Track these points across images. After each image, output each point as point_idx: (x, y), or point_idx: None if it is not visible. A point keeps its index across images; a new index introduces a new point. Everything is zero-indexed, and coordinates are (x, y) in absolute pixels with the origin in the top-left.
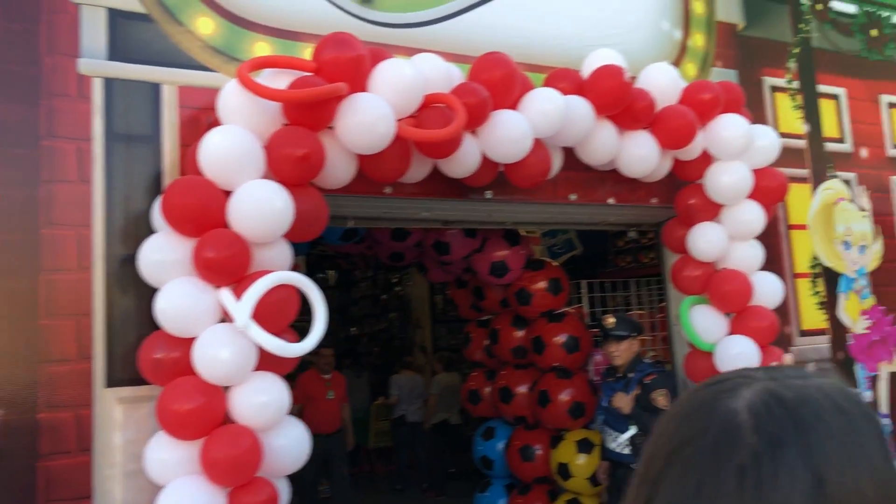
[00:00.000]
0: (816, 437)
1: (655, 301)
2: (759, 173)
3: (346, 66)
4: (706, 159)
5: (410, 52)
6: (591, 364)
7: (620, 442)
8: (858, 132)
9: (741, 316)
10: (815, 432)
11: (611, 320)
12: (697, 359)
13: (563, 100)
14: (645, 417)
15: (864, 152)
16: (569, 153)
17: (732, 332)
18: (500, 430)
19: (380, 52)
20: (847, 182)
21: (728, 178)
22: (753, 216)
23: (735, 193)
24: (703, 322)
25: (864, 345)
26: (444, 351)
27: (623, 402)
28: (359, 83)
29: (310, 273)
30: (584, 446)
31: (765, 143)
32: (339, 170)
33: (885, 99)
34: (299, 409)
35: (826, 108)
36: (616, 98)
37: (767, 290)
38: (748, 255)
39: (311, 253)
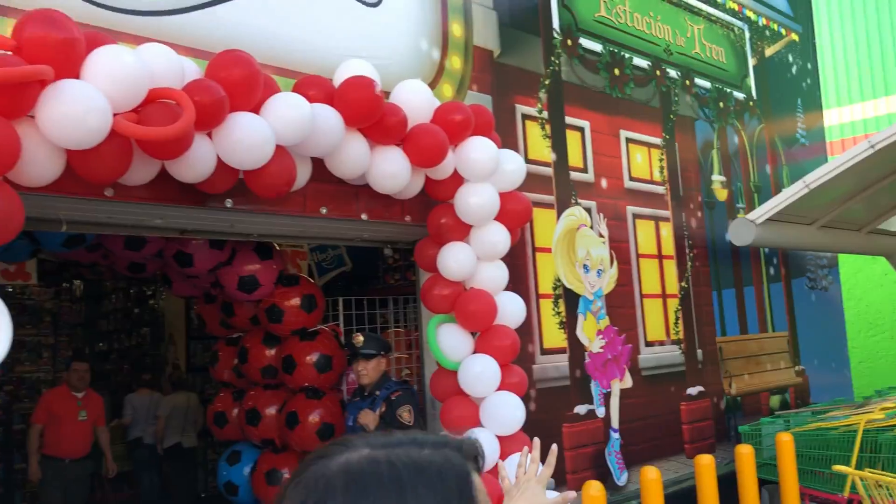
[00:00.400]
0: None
1: (413, 320)
2: (505, 196)
3: (54, 48)
4: (457, 180)
5: (139, 41)
6: (345, 384)
7: None
8: (600, 163)
9: (485, 335)
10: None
11: (360, 338)
12: (442, 377)
13: (311, 107)
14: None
15: (604, 182)
16: (319, 165)
17: (476, 350)
18: (247, 454)
19: (99, 37)
20: (588, 210)
21: (476, 199)
22: (499, 237)
23: (483, 214)
24: (449, 340)
25: (600, 363)
26: (178, 370)
27: (369, 418)
28: (69, 69)
29: (52, 282)
30: None
31: (512, 167)
32: (40, 165)
33: (624, 134)
34: (40, 431)
35: (572, 139)
36: (366, 110)
37: (511, 309)
38: (494, 276)
39: (45, 259)
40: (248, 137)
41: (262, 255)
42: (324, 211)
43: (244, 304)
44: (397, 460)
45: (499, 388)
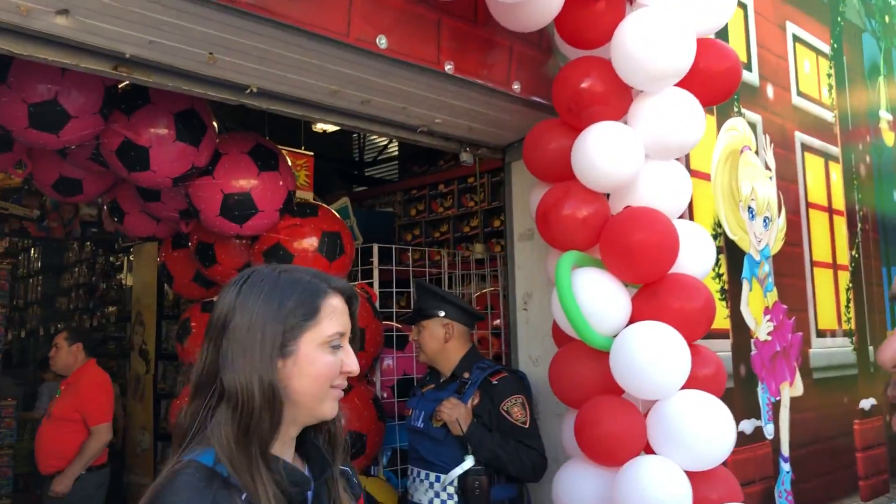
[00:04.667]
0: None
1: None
2: (702, 46)
3: None
4: (616, 6)
5: None
6: (378, 373)
7: (442, 488)
8: (765, 63)
9: (656, 290)
10: None
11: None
12: (574, 363)
13: None
14: (491, 441)
15: (770, 91)
16: None
17: (639, 316)
18: None
19: None
20: (752, 127)
21: (645, 44)
22: (686, 116)
23: (661, 69)
24: (592, 297)
25: (767, 357)
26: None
27: (458, 412)
28: None
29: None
30: None
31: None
32: None
33: (791, 29)
34: None
35: (733, 17)
36: None
37: (696, 247)
38: (670, 187)
39: None
40: None
41: (261, 164)
42: (382, 44)
43: (231, 245)
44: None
45: (684, 386)
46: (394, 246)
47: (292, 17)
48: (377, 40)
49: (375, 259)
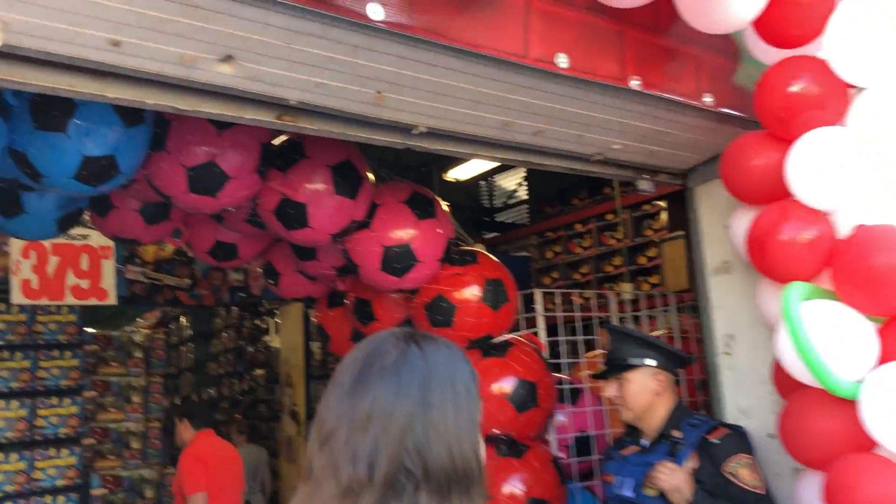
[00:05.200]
0: None
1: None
2: None
3: None
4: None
5: None
6: (554, 433)
7: None
8: None
9: None
10: None
11: (606, 339)
12: (816, 410)
13: None
14: None
15: None
16: None
17: (890, 355)
18: None
19: None
20: None
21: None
22: None
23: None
24: (829, 336)
25: None
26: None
27: (677, 478)
28: None
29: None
30: None
31: None
32: None
33: None
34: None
35: None
36: None
37: None
38: None
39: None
40: None
41: (419, 212)
42: (562, 62)
43: (388, 300)
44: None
45: None
46: (556, 290)
47: (467, 40)
48: (556, 59)
49: (539, 305)
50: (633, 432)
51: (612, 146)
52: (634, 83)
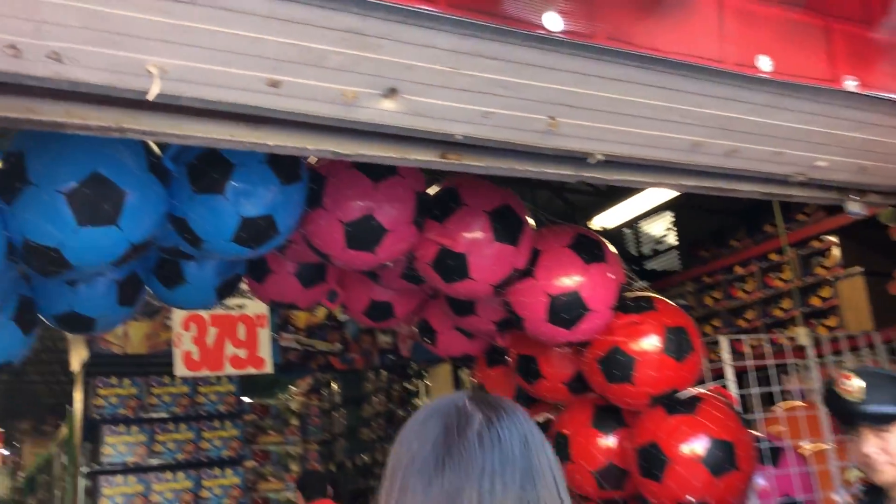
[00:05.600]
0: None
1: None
2: None
3: None
4: None
5: None
6: (754, 497)
7: None
8: None
9: None
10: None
11: (853, 384)
12: None
13: None
14: None
15: None
16: None
17: None
18: None
19: None
20: None
21: None
22: None
23: None
24: None
25: None
26: None
27: None
28: None
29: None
30: None
31: None
32: None
33: None
34: None
35: None
36: None
37: None
38: None
39: (287, 347)
40: None
41: (586, 256)
42: (764, 65)
43: (555, 355)
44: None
45: None
46: (744, 337)
47: (655, 47)
48: (757, 62)
49: (726, 354)
50: (872, 492)
51: (817, 163)
52: (850, 84)
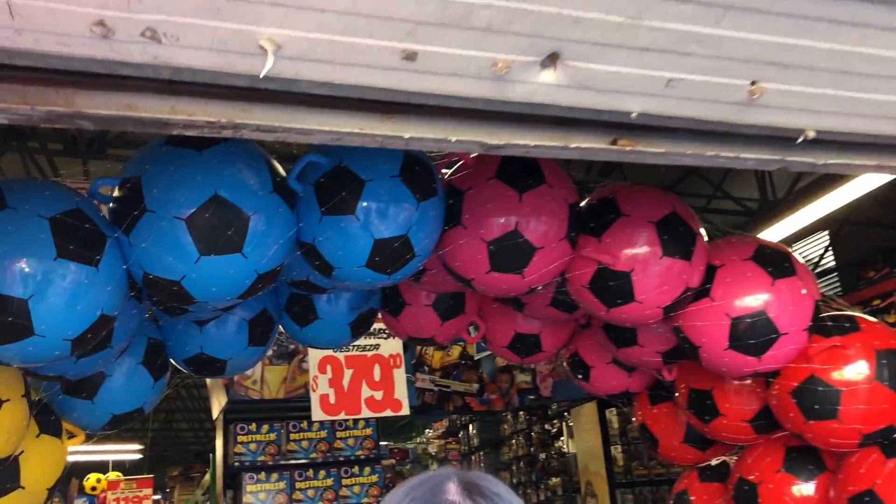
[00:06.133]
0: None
1: None
2: None
3: None
4: None
5: None
6: None
7: None
8: None
9: None
10: None
11: None
12: None
13: None
14: None
15: None
16: None
17: None
18: None
19: None
20: None
21: None
22: None
23: None
24: None
25: None
26: None
27: None
28: None
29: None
30: None
31: None
32: None
33: None
34: None
35: None
36: None
37: None
38: None
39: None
40: None
41: (772, 270)
42: None
43: (734, 389)
44: None
45: None
46: None
47: None
48: None
49: None
50: None
51: None
52: None
